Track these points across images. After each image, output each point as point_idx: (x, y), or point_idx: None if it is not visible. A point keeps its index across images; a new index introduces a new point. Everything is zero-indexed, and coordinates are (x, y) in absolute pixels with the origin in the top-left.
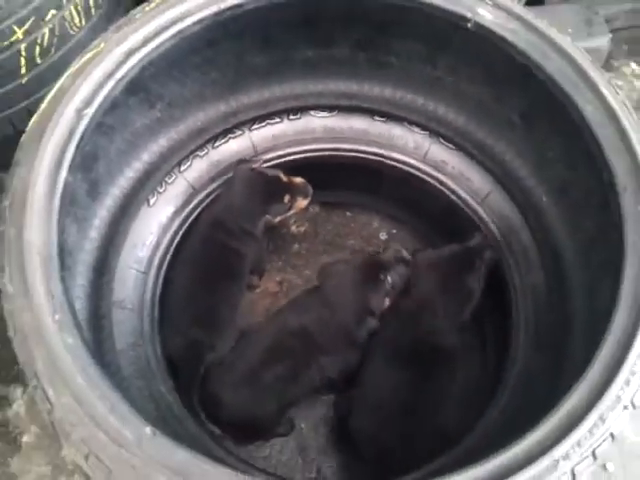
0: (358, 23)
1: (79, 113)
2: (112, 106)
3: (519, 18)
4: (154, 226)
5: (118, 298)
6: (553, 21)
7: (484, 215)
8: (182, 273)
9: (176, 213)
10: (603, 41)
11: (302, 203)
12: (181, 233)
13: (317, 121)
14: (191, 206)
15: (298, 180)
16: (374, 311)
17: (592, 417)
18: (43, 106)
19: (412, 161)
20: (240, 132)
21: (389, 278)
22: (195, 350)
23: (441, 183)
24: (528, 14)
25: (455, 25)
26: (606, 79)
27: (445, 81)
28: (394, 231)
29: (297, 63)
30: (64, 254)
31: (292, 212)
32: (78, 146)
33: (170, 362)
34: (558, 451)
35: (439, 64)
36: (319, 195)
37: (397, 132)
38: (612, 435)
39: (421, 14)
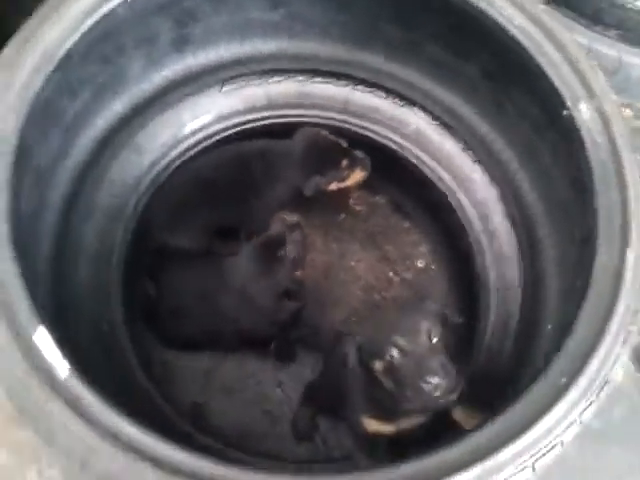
0: None
1: None
2: None
3: None
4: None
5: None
6: None
7: None
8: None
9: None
10: None
11: (359, 175)
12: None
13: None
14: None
15: (359, 152)
16: (289, 290)
17: None
18: None
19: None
20: None
21: (288, 250)
22: None
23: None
24: None
25: None
26: None
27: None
28: None
29: None
30: None
31: (347, 184)
32: None
33: None
34: None
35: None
36: None
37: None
38: None
39: None
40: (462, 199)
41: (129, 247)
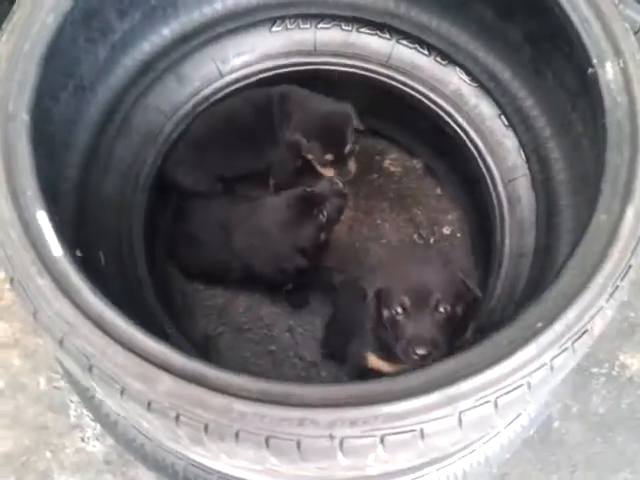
0: None
1: None
2: None
3: None
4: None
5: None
6: None
7: None
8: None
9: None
10: None
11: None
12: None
13: None
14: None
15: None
16: (305, 249)
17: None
18: None
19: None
20: None
21: (324, 212)
22: None
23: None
24: None
25: None
26: None
27: None
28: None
29: None
30: None
31: (317, 169)
32: None
33: None
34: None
35: None
36: None
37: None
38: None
39: None
40: (491, 164)
41: (158, 171)
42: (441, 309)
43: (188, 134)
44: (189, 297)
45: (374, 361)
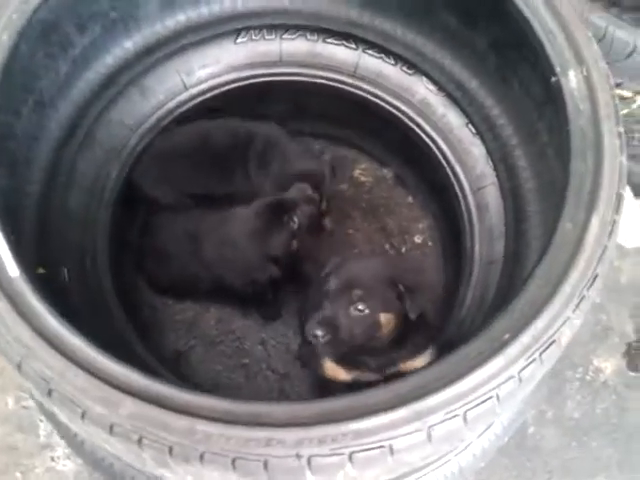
0: None
1: None
2: None
3: None
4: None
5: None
6: None
7: None
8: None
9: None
10: None
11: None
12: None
13: None
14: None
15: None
16: (277, 257)
17: None
18: None
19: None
20: None
21: (295, 219)
22: None
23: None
24: None
25: None
26: None
27: None
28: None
29: None
30: None
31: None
32: None
33: None
34: None
35: None
36: None
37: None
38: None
39: None
40: (459, 173)
41: (122, 186)
42: (359, 307)
43: (161, 147)
44: (158, 312)
45: (330, 368)
